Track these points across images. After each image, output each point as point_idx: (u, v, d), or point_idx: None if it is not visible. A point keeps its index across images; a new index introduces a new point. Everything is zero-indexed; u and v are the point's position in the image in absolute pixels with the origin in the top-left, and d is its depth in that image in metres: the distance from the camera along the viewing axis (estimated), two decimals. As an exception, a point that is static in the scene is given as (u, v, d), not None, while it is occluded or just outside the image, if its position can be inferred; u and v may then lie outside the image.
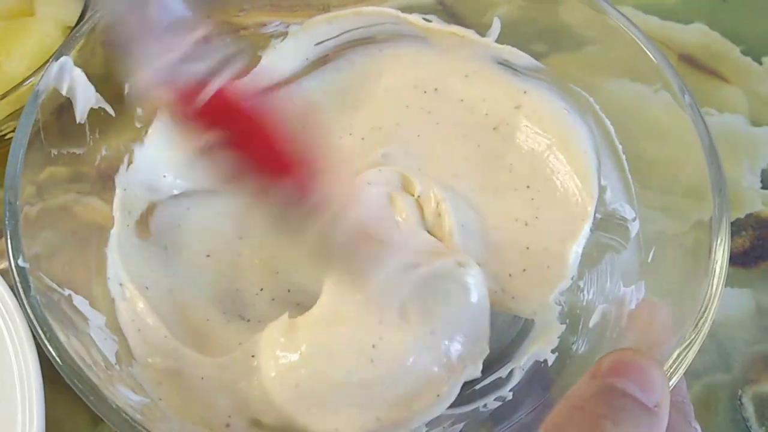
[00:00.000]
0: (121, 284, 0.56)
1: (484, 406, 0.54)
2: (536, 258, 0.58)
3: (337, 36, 0.64)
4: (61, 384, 0.45)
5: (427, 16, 0.63)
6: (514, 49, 0.62)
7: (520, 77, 0.62)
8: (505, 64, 0.63)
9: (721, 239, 0.48)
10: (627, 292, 0.53)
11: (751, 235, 0.72)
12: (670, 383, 0.44)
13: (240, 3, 0.64)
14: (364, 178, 0.59)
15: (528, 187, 0.61)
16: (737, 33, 0.83)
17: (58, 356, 0.45)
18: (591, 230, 0.58)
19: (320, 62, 0.65)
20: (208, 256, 0.60)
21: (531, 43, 0.62)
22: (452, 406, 0.53)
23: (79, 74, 0.54)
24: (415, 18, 0.63)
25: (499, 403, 0.54)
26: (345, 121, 0.63)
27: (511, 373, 0.55)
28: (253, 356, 0.54)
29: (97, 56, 0.56)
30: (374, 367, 0.51)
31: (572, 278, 0.57)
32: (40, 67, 0.65)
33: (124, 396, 0.49)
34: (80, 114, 0.55)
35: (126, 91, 0.58)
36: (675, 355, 0.45)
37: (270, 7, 0.64)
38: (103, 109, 0.57)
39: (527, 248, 0.58)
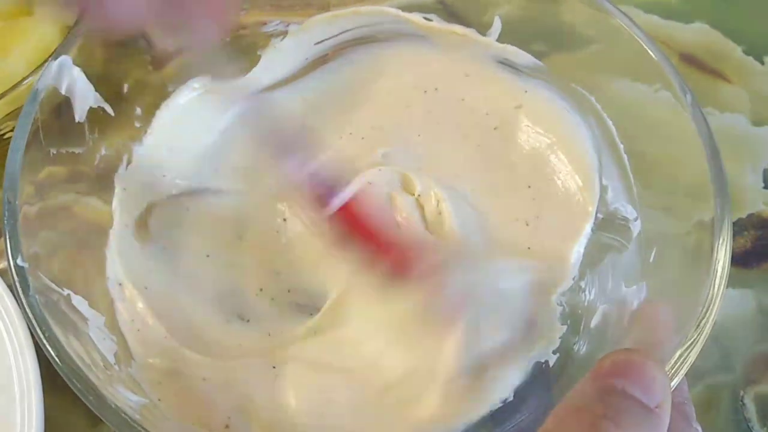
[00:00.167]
0: (120, 284, 0.55)
1: (485, 406, 0.54)
2: (537, 258, 0.58)
3: (337, 35, 0.64)
4: (59, 385, 0.45)
5: (428, 15, 0.63)
6: (515, 49, 0.62)
7: (521, 77, 0.62)
8: (506, 64, 0.62)
9: (723, 239, 0.48)
10: (628, 293, 0.53)
11: (753, 236, 0.72)
12: (672, 384, 0.44)
13: (240, 2, 0.64)
14: (364, 178, 0.59)
15: (529, 186, 0.60)
16: (739, 32, 0.82)
17: (57, 356, 0.45)
18: (592, 230, 0.58)
19: (320, 62, 0.65)
20: (207, 256, 0.60)
21: (532, 43, 0.62)
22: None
23: (78, 73, 0.54)
24: (416, 17, 0.63)
25: (500, 404, 0.53)
26: (345, 121, 0.63)
27: (512, 373, 0.55)
28: (274, 367, 0.54)
29: (96, 56, 0.56)
30: None
31: (573, 278, 0.57)
32: (38, 67, 0.65)
33: (123, 396, 0.48)
34: (79, 113, 0.55)
35: (125, 90, 0.58)
36: (677, 356, 0.45)
37: (270, 6, 0.64)
38: (103, 109, 0.57)
39: (528, 248, 0.58)
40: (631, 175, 0.57)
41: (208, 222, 0.61)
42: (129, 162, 0.59)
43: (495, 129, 0.63)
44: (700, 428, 0.48)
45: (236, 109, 0.63)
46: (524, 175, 0.61)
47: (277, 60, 0.64)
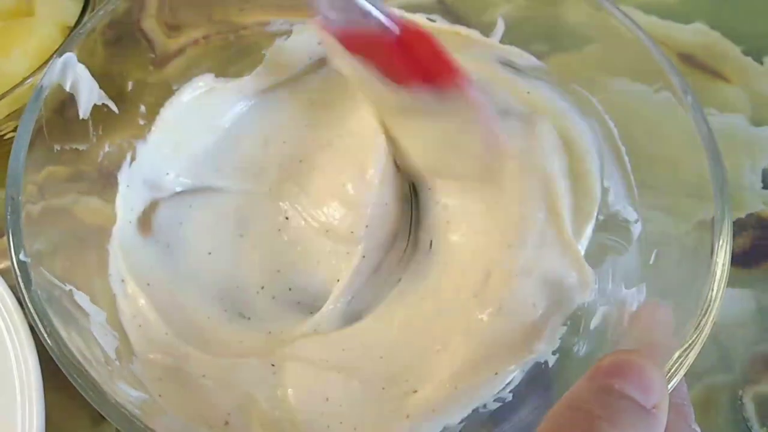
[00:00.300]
0: (122, 280, 0.56)
1: (484, 406, 0.54)
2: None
3: (341, 35, 0.64)
4: (60, 384, 0.45)
5: (431, 16, 0.63)
6: (517, 49, 0.61)
7: (523, 77, 0.62)
8: (508, 64, 0.62)
9: (723, 240, 0.48)
10: (628, 294, 0.53)
11: (752, 235, 0.72)
12: (671, 384, 0.44)
13: (240, 2, 0.64)
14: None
15: (531, 187, 0.61)
16: (738, 32, 0.82)
17: (58, 351, 0.46)
18: (593, 232, 0.58)
19: (324, 61, 0.65)
20: (209, 253, 0.60)
21: (532, 43, 0.62)
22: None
23: (82, 70, 0.54)
24: (419, 18, 0.63)
25: (499, 404, 0.54)
26: (349, 119, 0.63)
27: (511, 373, 0.55)
28: (273, 365, 0.54)
29: (99, 54, 0.56)
30: None
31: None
32: (39, 67, 0.65)
33: (123, 392, 0.49)
34: (83, 110, 0.55)
35: (129, 88, 0.58)
36: (676, 356, 0.45)
37: (275, 6, 0.64)
38: (107, 106, 0.57)
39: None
40: (632, 176, 0.57)
41: (211, 220, 0.61)
42: (132, 159, 0.59)
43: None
44: (698, 429, 0.48)
45: (240, 107, 0.63)
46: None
47: (281, 59, 0.63)
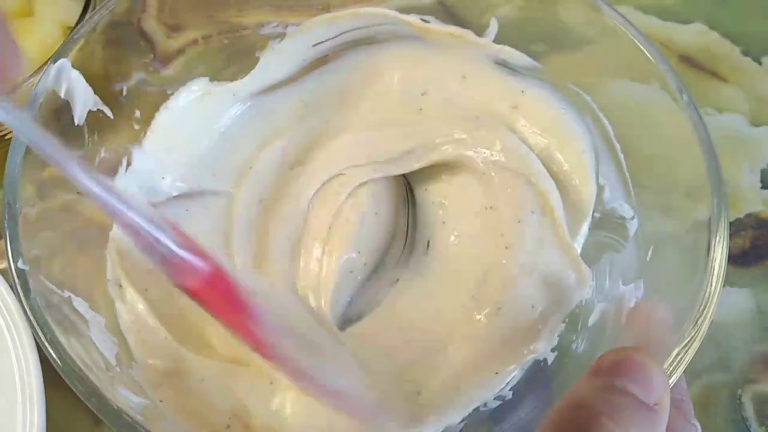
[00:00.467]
0: (120, 286, 0.56)
1: (484, 405, 0.54)
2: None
3: (335, 37, 0.64)
4: (61, 385, 0.45)
5: (425, 17, 0.63)
6: (512, 49, 0.61)
7: (518, 77, 0.62)
8: (503, 64, 0.62)
9: (720, 238, 0.48)
10: (626, 291, 0.53)
11: (751, 235, 0.72)
12: (670, 381, 0.44)
13: (241, 3, 0.64)
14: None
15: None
16: (737, 33, 0.82)
17: (58, 358, 0.46)
18: (589, 229, 0.58)
19: (318, 63, 0.65)
20: (206, 258, 0.60)
21: (530, 43, 0.62)
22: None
23: (77, 76, 0.54)
24: (413, 19, 0.62)
25: (499, 402, 0.54)
26: (343, 122, 0.63)
27: (510, 372, 0.55)
28: (271, 383, 0.54)
29: (96, 57, 0.56)
30: None
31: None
32: (39, 68, 0.65)
33: (124, 397, 0.49)
34: (78, 116, 0.55)
35: (124, 93, 0.58)
36: (674, 354, 0.45)
37: (268, 7, 0.64)
38: (102, 111, 0.57)
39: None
40: (627, 175, 0.57)
41: (207, 224, 0.61)
42: (128, 164, 0.59)
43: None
44: (698, 425, 0.48)
45: (235, 111, 0.63)
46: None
47: (276, 62, 0.63)
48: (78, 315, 0.51)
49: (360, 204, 0.60)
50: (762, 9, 0.85)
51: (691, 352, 0.45)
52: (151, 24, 0.60)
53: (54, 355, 0.46)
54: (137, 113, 0.60)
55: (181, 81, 0.61)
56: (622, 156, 0.58)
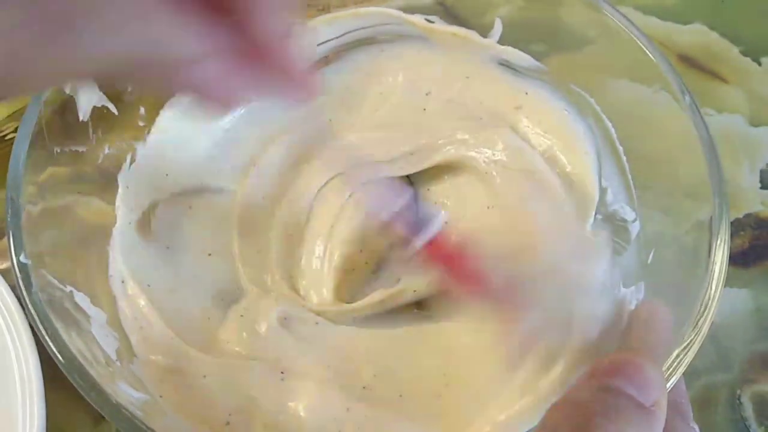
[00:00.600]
0: (122, 281, 0.56)
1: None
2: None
3: (338, 37, 0.64)
4: (61, 384, 0.45)
5: (430, 17, 0.63)
6: (515, 50, 0.61)
7: (521, 78, 0.62)
8: (506, 65, 0.62)
9: (721, 239, 0.48)
10: (627, 293, 0.53)
11: (750, 235, 0.72)
12: (670, 383, 0.44)
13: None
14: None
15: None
16: (736, 33, 0.82)
17: (59, 353, 0.46)
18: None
19: (321, 63, 0.65)
20: (209, 254, 0.60)
21: (531, 44, 0.62)
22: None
23: (82, 72, 0.54)
24: (417, 19, 0.63)
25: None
26: (346, 122, 0.63)
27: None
28: (282, 372, 0.54)
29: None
30: None
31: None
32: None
33: (125, 393, 0.49)
34: (83, 112, 0.55)
35: (129, 89, 0.58)
36: (674, 355, 0.45)
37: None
38: (106, 108, 0.57)
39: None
40: (629, 176, 0.57)
41: (210, 221, 0.61)
42: (132, 161, 0.59)
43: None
44: (697, 427, 0.48)
45: (239, 108, 0.63)
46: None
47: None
48: (79, 310, 0.51)
49: (362, 203, 0.60)
50: (762, 9, 0.85)
51: (691, 354, 0.46)
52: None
53: (54, 350, 0.46)
54: (142, 110, 0.60)
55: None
56: (624, 158, 0.58)
